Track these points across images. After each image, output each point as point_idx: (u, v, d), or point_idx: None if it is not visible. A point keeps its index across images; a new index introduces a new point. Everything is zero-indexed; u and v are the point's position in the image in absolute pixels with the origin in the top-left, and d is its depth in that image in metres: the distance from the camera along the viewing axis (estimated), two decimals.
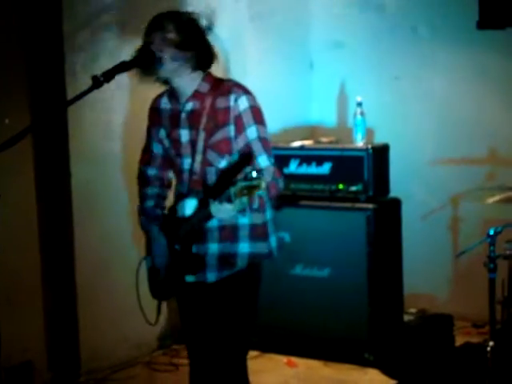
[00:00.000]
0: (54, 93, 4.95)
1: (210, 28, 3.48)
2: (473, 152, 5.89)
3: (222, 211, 3.21)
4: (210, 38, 3.48)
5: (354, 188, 5.22)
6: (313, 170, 5.35)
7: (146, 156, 3.66)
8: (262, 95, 3.55)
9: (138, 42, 3.47)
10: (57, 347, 5.11)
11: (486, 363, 4.32)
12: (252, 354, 3.68)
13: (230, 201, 3.13)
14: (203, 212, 3.30)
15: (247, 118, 3.40)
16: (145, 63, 3.39)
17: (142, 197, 3.66)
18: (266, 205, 3.44)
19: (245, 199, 3.11)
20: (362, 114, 5.37)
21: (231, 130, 3.40)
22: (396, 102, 6.14)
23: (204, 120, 3.41)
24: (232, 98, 3.39)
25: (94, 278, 5.11)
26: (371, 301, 5.13)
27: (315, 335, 5.29)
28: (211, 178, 3.44)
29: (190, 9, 3.78)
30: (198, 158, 3.43)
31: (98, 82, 3.28)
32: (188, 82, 3.44)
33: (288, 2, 6.26)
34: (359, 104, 5.40)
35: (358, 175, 5.20)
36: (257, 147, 3.41)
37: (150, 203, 3.63)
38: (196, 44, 3.41)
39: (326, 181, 5.30)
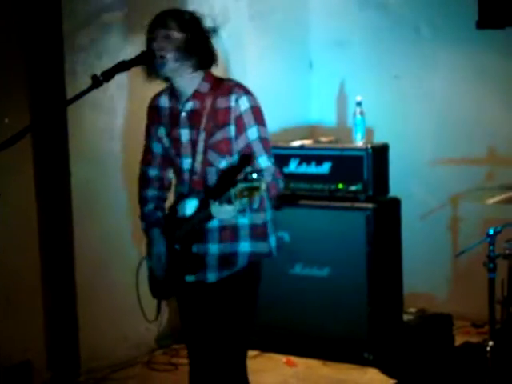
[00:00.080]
0: (53, 92, 4.95)
1: (214, 30, 3.48)
2: (472, 152, 5.88)
3: (223, 212, 3.21)
4: (212, 39, 3.48)
5: (353, 187, 5.22)
6: (312, 169, 5.34)
7: (148, 156, 3.65)
8: (261, 94, 3.55)
9: (138, 41, 3.47)
10: (56, 347, 5.11)
11: (485, 363, 4.32)
12: (251, 353, 3.68)
13: (230, 202, 3.13)
14: (204, 212, 3.30)
15: (248, 119, 3.40)
16: (145, 63, 3.39)
17: (143, 201, 3.66)
18: (267, 205, 3.44)
19: (245, 200, 3.11)
20: (361, 113, 5.37)
21: (232, 130, 3.40)
22: (396, 101, 6.14)
23: (204, 120, 3.41)
24: (233, 98, 3.39)
25: (93, 278, 5.11)
26: (371, 300, 5.13)
27: (315, 335, 5.29)
28: (212, 178, 3.44)
29: (191, 8, 3.78)
30: (199, 157, 3.43)
31: (98, 81, 3.28)
32: (188, 81, 3.44)
33: (288, 1, 6.25)
34: (359, 103, 5.40)
35: (357, 175, 5.20)
36: (257, 148, 3.41)
37: (150, 206, 3.63)
38: (198, 44, 3.40)
39: (326, 180, 5.30)
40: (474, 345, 5.07)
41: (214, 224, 3.39)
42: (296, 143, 5.49)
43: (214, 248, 3.43)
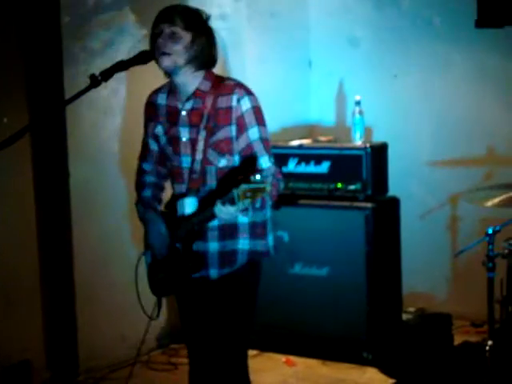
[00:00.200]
0: (52, 92, 4.94)
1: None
2: (472, 151, 5.88)
3: (225, 212, 3.21)
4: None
5: (352, 187, 5.21)
6: (311, 168, 5.34)
7: (145, 152, 3.65)
8: (260, 94, 3.54)
9: (138, 40, 3.46)
10: (55, 346, 5.11)
11: (484, 362, 4.32)
12: (251, 352, 3.67)
13: (233, 203, 3.13)
14: (206, 212, 3.29)
15: (249, 119, 3.40)
16: (143, 63, 3.39)
17: (140, 185, 3.65)
18: (267, 204, 3.44)
19: (247, 201, 3.10)
20: (360, 112, 5.37)
21: (233, 129, 3.40)
22: (395, 100, 6.13)
23: (205, 119, 3.41)
24: (234, 98, 3.39)
25: (92, 277, 5.11)
26: (370, 300, 5.13)
27: (314, 334, 5.28)
28: (211, 177, 3.44)
29: (191, 6, 3.77)
30: (199, 156, 3.42)
31: (96, 81, 3.27)
32: (190, 79, 3.43)
33: (287, 1, 6.25)
34: (358, 103, 5.40)
35: (356, 174, 5.20)
36: (258, 148, 3.41)
37: (148, 193, 3.62)
38: (203, 44, 3.39)
39: (325, 180, 5.30)
40: (473, 344, 5.07)
41: (213, 223, 3.38)
42: (295, 142, 5.49)
43: (214, 246, 3.44)
